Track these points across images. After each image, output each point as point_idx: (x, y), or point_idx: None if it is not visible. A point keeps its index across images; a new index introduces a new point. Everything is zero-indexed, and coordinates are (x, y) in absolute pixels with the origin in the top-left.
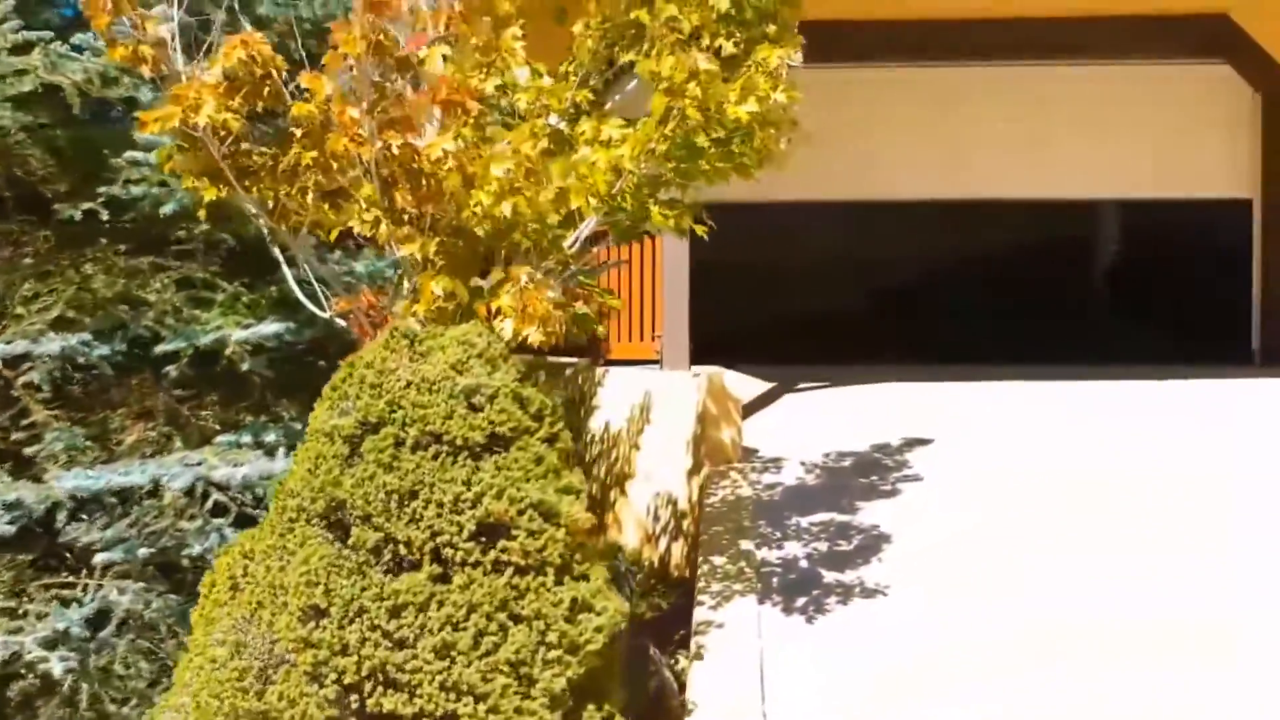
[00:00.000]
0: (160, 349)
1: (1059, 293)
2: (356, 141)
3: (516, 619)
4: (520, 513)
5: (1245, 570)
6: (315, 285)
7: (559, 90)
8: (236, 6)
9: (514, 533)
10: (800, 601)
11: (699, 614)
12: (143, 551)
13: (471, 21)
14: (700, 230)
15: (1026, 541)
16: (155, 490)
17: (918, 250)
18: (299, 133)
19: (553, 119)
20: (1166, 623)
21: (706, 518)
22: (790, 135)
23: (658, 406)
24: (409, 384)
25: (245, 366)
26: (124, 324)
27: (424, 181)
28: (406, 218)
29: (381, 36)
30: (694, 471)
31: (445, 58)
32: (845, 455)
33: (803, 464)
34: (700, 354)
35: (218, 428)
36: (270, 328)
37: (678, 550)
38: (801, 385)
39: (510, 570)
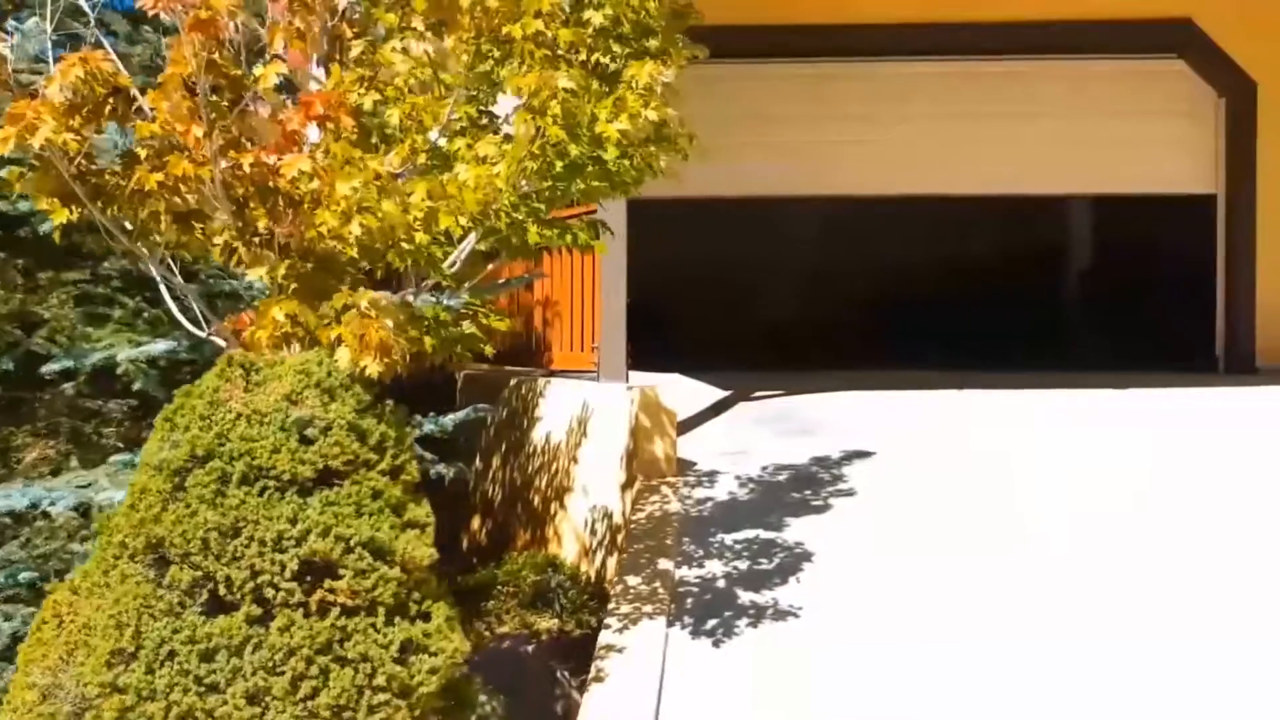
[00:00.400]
0: (46, 369)
1: (1027, 297)
2: (196, 162)
3: (342, 662)
4: (348, 551)
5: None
6: (190, 303)
7: (434, 106)
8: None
9: (341, 572)
10: (711, 624)
11: (604, 637)
12: (26, 575)
13: (309, 39)
14: (600, 248)
15: (953, 561)
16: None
17: (879, 252)
18: (144, 153)
19: (433, 135)
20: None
21: (631, 535)
22: (686, 150)
23: (594, 419)
24: (239, 415)
25: (138, 385)
26: (16, 342)
27: (279, 201)
28: (258, 240)
29: (215, 55)
30: (627, 486)
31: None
32: (784, 468)
33: (738, 478)
34: (659, 360)
35: (120, 446)
36: (159, 346)
37: (612, 565)
38: (757, 394)
39: (336, 611)
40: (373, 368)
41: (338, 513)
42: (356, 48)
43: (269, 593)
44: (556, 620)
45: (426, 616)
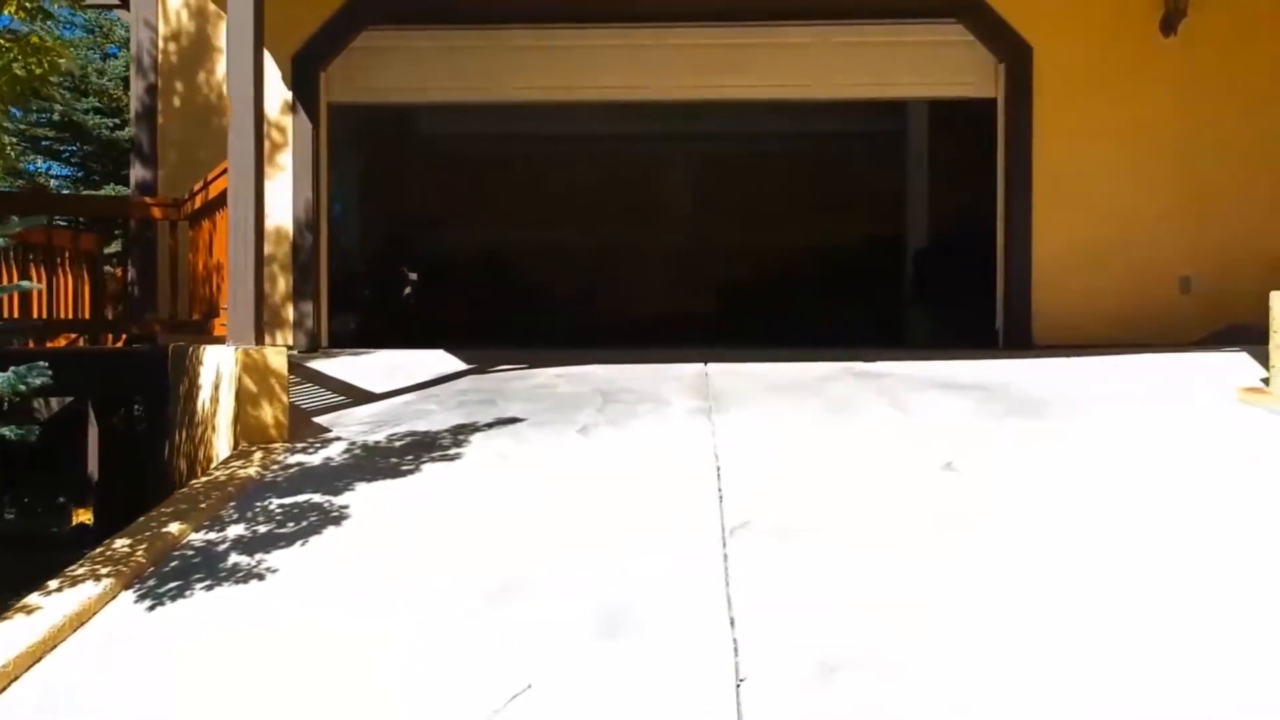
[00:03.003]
0: None
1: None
2: None
3: None
4: None
5: None
6: None
7: None
8: None
9: None
10: (171, 586)
11: (30, 599)
12: None
13: None
14: None
15: (503, 536)
16: None
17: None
18: None
19: None
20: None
21: (173, 499)
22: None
23: (222, 385)
24: None
25: None
26: None
27: None
28: None
29: None
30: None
31: None
32: (413, 435)
33: (353, 444)
34: (420, 335)
35: None
36: None
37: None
38: (499, 368)
39: None
40: None
41: None
42: None
43: None
44: None
45: None
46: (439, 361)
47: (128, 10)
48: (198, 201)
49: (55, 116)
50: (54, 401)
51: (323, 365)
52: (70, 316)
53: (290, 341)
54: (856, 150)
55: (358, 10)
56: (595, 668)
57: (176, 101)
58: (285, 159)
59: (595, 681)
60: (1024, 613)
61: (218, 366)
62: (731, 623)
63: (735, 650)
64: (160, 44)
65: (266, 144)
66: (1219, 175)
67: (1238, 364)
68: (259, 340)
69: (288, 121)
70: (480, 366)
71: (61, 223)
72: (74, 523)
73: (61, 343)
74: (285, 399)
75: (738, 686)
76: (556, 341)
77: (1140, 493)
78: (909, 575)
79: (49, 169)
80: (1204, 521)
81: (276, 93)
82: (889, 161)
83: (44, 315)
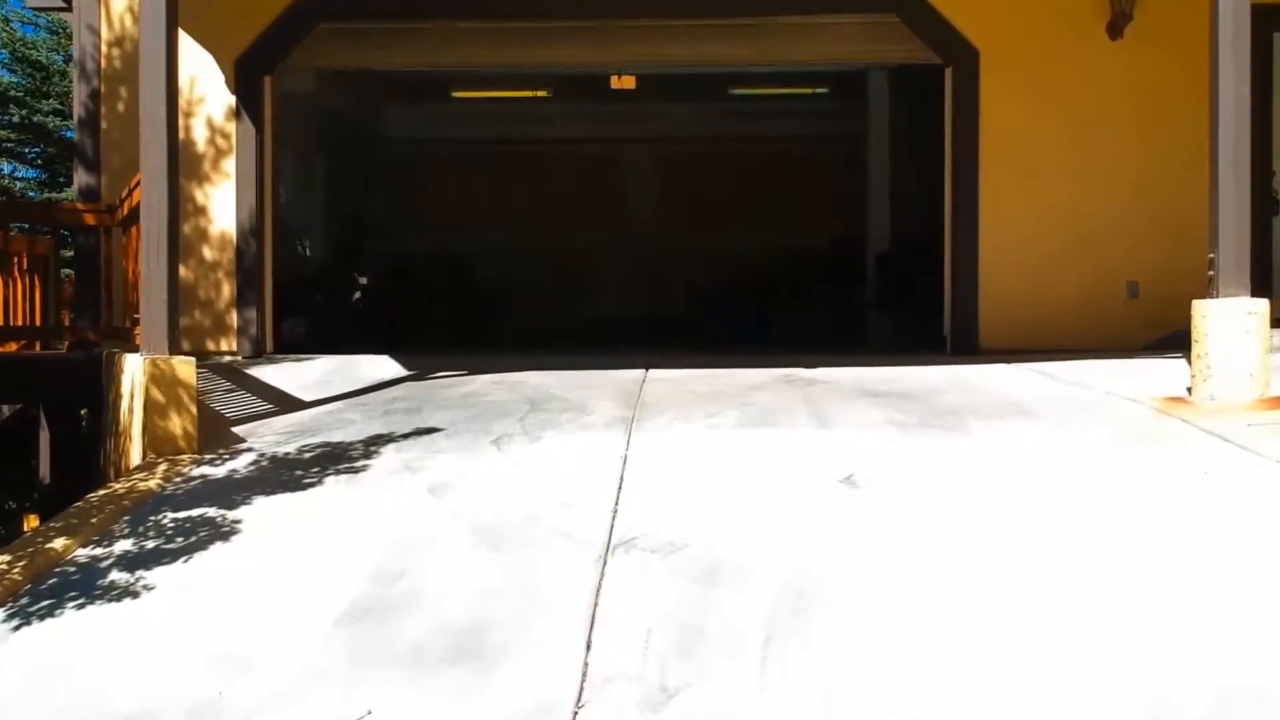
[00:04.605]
0: None
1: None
2: None
3: None
4: None
5: None
6: None
7: None
8: None
9: None
10: (43, 604)
11: None
12: None
13: None
14: None
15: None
16: None
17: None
18: None
19: None
20: None
21: (65, 514)
22: None
23: (135, 395)
24: None
25: None
26: None
27: None
28: None
29: None
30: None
31: None
32: (328, 445)
33: (262, 455)
34: (371, 340)
35: None
36: None
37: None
38: (437, 374)
39: None
40: None
41: None
42: None
43: None
44: None
45: None
46: (380, 368)
47: (71, 13)
48: (125, 208)
49: (16, 119)
50: (5, 408)
51: (261, 372)
52: (22, 322)
53: (235, 348)
54: (815, 155)
55: (302, 13)
56: (436, 692)
57: (120, 107)
58: (229, 165)
59: (433, 706)
60: (881, 622)
61: (133, 376)
62: (588, 646)
63: (584, 674)
64: (103, 49)
65: (210, 150)
66: (1168, 180)
67: (1172, 372)
68: (173, 349)
69: (232, 128)
70: (420, 373)
71: None
72: (25, 529)
73: (13, 348)
74: (194, 410)
75: (575, 714)
76: (511, 346)
77: (1025, 505)
78: (775, 596)
79: (13, 171)
80: (1078, 533)
81: (220, 98)
82: (848, 165)
83: None
